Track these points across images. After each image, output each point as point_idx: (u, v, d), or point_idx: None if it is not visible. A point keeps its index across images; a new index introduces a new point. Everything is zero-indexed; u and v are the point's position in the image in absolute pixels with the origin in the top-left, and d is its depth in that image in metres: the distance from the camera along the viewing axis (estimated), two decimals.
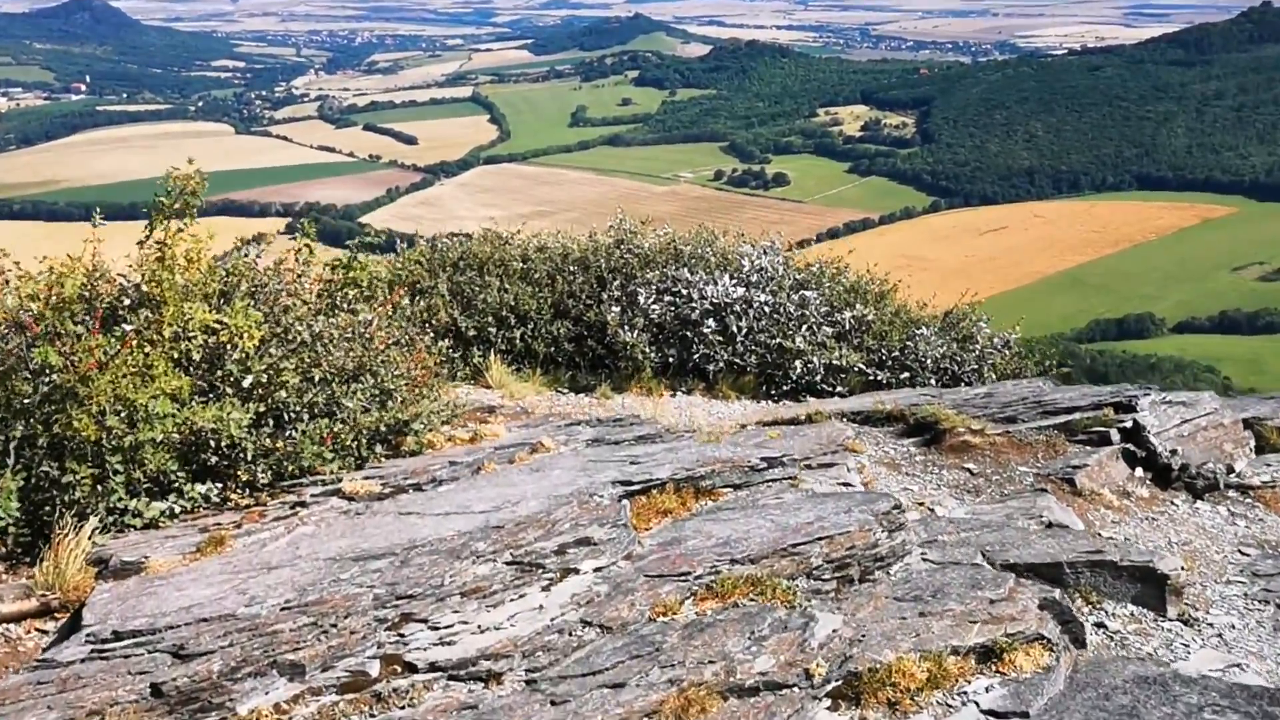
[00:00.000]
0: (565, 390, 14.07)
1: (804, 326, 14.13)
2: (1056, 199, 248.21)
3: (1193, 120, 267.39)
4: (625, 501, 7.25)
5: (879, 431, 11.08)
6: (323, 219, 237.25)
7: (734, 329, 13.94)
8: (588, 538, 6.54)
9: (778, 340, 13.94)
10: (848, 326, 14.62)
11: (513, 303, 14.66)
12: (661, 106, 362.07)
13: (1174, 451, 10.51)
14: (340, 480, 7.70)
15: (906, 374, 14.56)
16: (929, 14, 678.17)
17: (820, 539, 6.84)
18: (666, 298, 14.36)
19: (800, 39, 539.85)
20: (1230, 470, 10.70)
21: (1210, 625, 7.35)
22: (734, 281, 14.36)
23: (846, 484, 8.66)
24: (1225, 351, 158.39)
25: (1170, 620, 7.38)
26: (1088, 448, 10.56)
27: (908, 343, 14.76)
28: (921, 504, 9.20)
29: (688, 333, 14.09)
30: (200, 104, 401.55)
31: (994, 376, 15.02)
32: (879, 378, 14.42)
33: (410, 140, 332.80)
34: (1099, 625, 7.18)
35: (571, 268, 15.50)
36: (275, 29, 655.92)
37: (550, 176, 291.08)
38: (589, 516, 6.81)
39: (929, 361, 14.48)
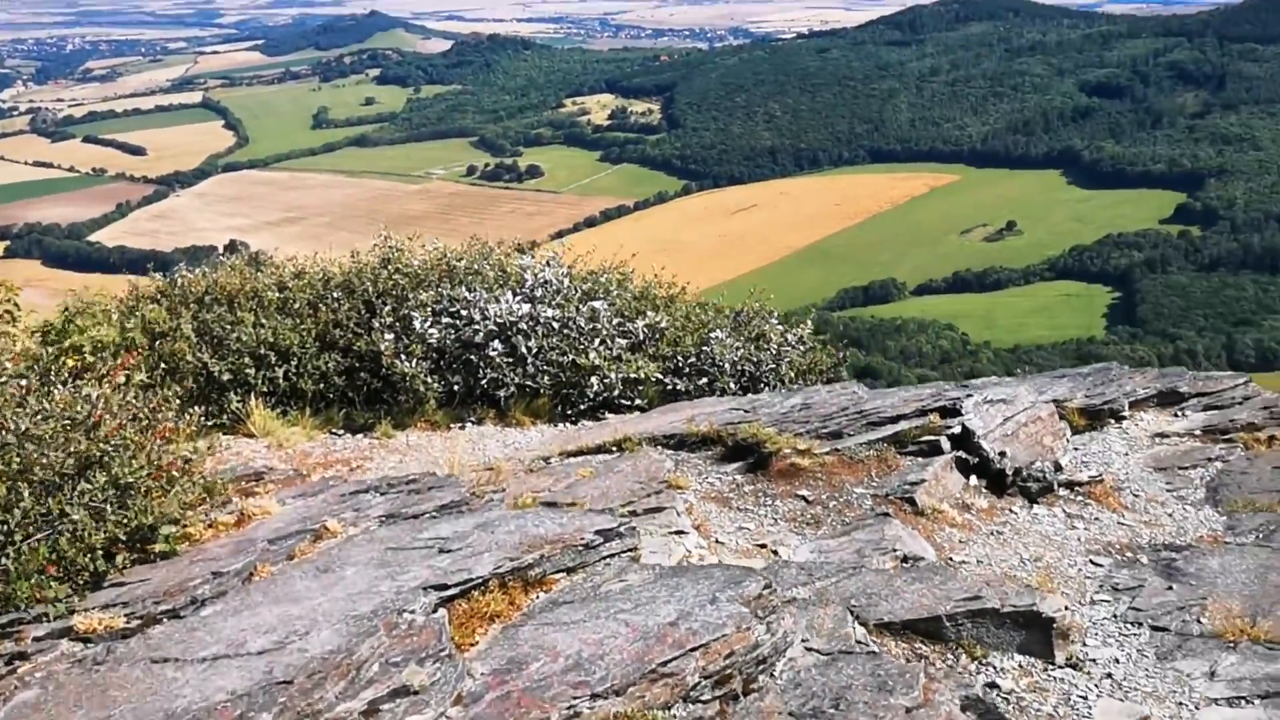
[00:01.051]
0: (340, 431, 12.58)
1: (597, 340, 13.10)
2: (799, 175, 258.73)
3: (914, 96, 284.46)
4: (442, 612, 5.87)
5: (698, 458, 10.24)
6: (46, 239, 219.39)
7: (523, 349, 12.75)
8: (405, 686, 5.11)
9: (570, 357, 12.88)
10: (641, 336, 13.71)
11: (271, 338, 12.87)
12: (407, 104, 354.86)
13: (1003, 454, 10.24)
14: (72, 612, 6.02)
15: (705, 379, 13.74)
16: (665, 2, 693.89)
17: (694, 649, 5.63)
18: (445, 320, 13.05)
19: (541, 31, 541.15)
20: (1058, 467, 10.51)
21: (1095, 662, 6.82)
22: (518, 298, 13.16)
23: (680, 532, 7.72)
24: (960, 309, 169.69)
25: (1060, 668, 6.84)
26: (920, 459, 10.11)
27: (703, 347, 13.94)
28: (763, 546, 8.42)
29: (472, 356, 12.87)
30: None
31: (792, 374, 14.44)
32: (678, 386, 13.57)
33: (138, 151, 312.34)
34: (991, 685, 6.46)
35: (335, 294, 13.89)
36: None
37: (295, 181, 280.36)
38: (402, 647, 5.42)
39: (726, 365, 13.74)
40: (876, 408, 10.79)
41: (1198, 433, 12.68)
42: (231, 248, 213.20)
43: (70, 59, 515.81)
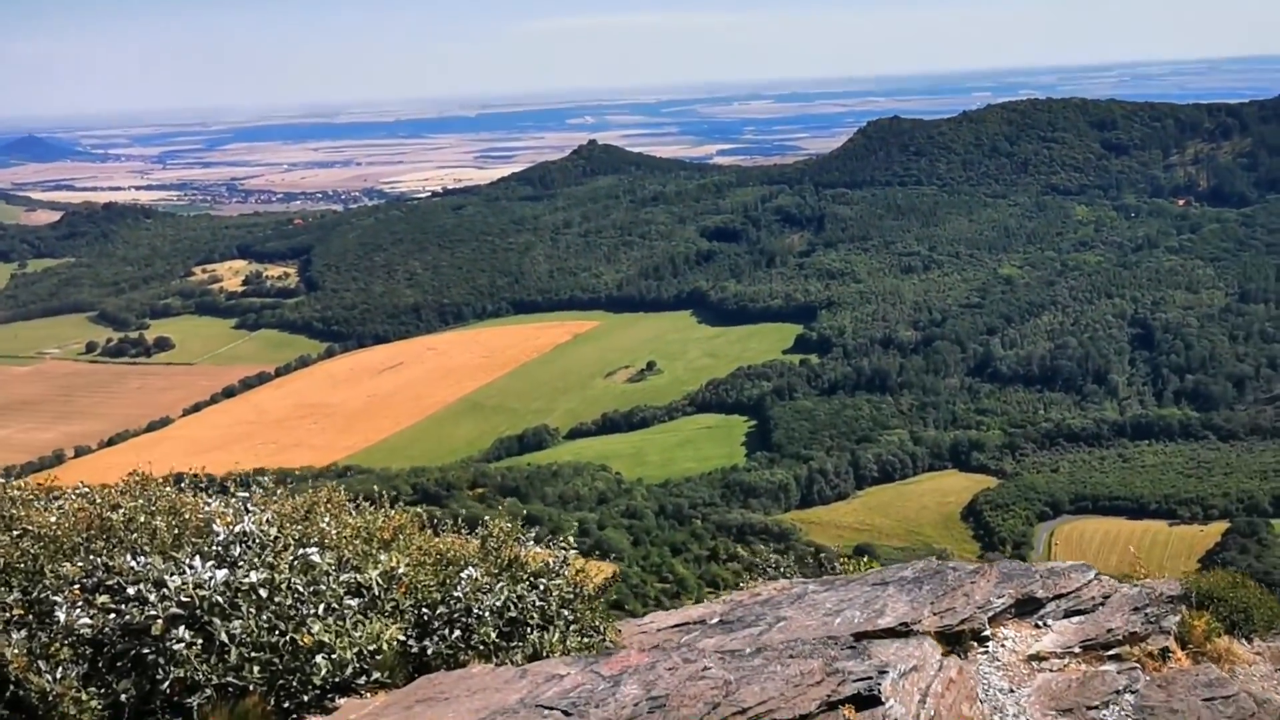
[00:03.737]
0: None
1: (320, 605, 9.63)
2: (445, 330, 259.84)
3: (550, 248, 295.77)
4: None
5: None
6: None
7: (222, 635, 9.05)
8: None
9: (289, 635, 9.35)
10: (377, 589, 10.37)
11: None
12: (12, 280, 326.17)
13: None
14: None
15: (458, 632, 10.35)
16: (294, 166, 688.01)
17: None
18: (102, 598, 9.17)
19: (164, 198, 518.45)
20: None
21: None
22: (208, 561, 9.52)
23: None
24: (612, 449, 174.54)
25: None
26: None
27: (451, 592, 10.83)
28: None
29: (146, 650, 8.95)
30: None
31: (569, 616, 10.97)
32: (427, 650, 10.36)
33: None
34: None
35: None
36: None
37: None
38: None
39: (486, 613, 10.67)
40: (764, 703, 8.48)
41: (1076, 650, 10.98)
42: None
43: None
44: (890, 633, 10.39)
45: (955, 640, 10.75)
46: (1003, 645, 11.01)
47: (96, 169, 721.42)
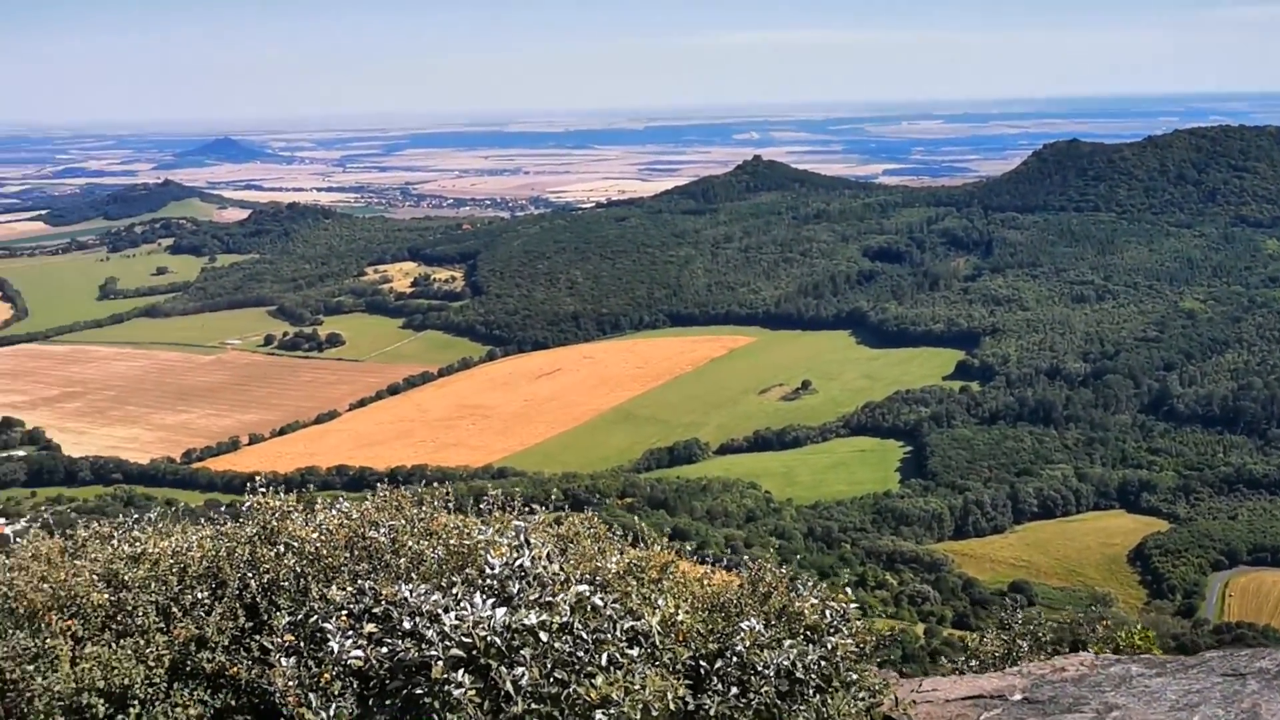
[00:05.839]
0: None
1: (604, 655, 8.51)
2: (602, 340, 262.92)
3: (709, 262, 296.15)
4: None
5: None
6: None
7: (506, 685, 8.08)
8: None
9: (571, 687, 8.30)
10: (657, 639, 9.14)
11: (101, 680, 8.23)
12: (202, 274, 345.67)
13: None
14: None
15: (736, 689, 9.08)
16: (465, 173, 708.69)
17: None
18: (369, 627, 8.35)
19: (342, 200, 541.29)
20: None
21: None
22: (488, 599, 8.50)
23: None
24: (762, 467, 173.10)
25: None
26: None
27: (729, 642, 9.53)
28: None
29: (419, 690, 8.11)
30: None
31: (853, 677, 9.75)
32: (708, 709, 9.08)
33: None
34: None
35: (198, 591, 9.30)
36: None
37: (79, 354, 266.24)
38: None
39: (770, 670, 9.29)
40: None
41: None
42: (4, 425, 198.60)
43: None
44: None
45: None
46: None
47: (283, 170, 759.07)
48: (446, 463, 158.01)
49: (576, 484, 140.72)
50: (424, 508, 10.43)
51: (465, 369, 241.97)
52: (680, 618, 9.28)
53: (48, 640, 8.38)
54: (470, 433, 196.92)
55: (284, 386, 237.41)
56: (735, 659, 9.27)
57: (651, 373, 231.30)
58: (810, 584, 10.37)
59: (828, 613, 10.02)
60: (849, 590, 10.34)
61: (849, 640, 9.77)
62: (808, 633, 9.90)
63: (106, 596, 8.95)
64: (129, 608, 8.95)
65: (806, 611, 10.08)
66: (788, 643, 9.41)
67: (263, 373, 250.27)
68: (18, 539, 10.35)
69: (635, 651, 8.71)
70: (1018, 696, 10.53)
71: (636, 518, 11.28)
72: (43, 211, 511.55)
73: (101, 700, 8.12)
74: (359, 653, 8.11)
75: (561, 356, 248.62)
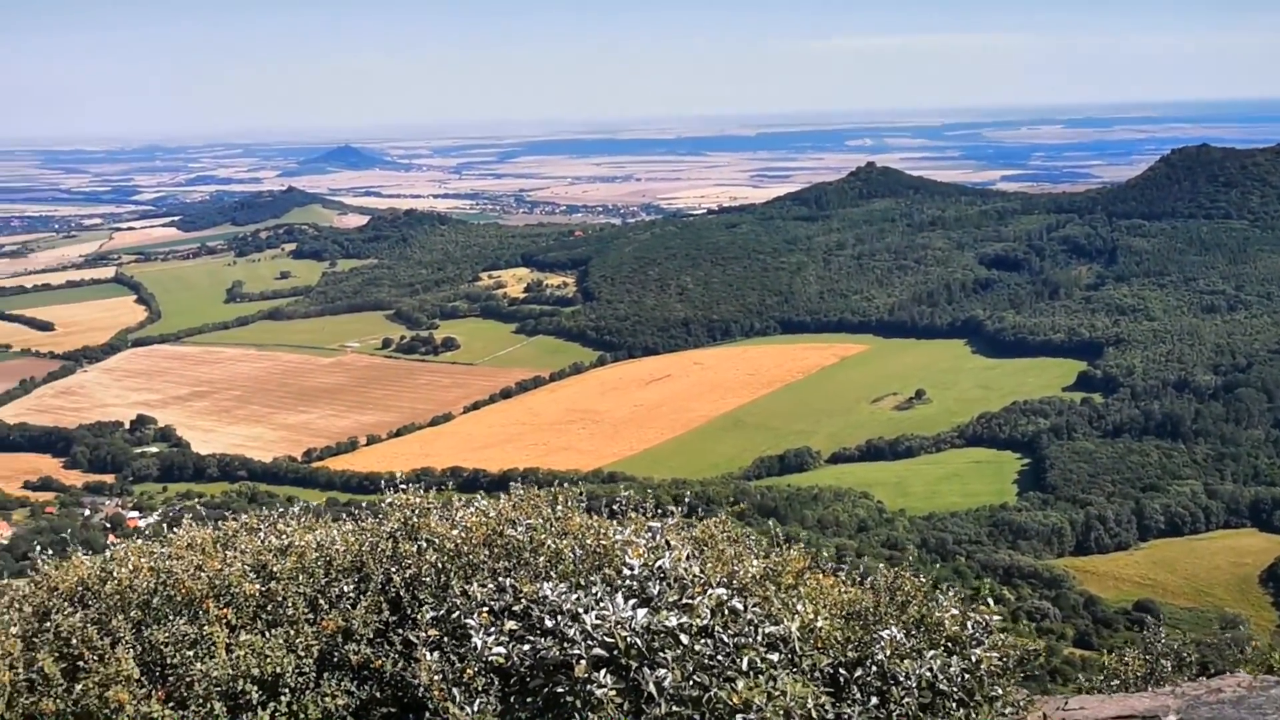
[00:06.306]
0: None
1: (744, 659, 8.42)
2: (712, 346, 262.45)
3: (821, 269, 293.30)
4: None
5: None
6: None
7: (648, 685, 8.04)
8: None
9: (711, 691, 8.21)
10: (796, 644, 9.02)
11: (255, 667, 8.42)
12: (322, 278, 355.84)
13: None
14: None
15: (876, 699, 8.94)
16: (578, 180, 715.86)
17: None
18: (511, 624, 8.44)
19: (457, 206, 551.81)
20: None
21: None
22: (629, 600, 8.52)
23: None
24: (874, 477, 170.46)
25: None
26: None
27: (874, 654, 9.31)
28: None
29: (560, 690, 8.17)
30: None
31: (997, 692, 9.36)
32: (849, 717, 8.90)
33: (45, 326, 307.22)
34: None
35: (344, 584, 9.45)
36: None
37: (207, 355, 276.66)
38: None
39: (913, 680, 9.05)
40: None
41: None
42: (139, 422, 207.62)
43: None
44: None
45: None
46: None
47: (401, 177, 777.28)
48: (557, 466, 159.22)
49: (686, 490, 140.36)
50: (559, 507, 10.46)
51: (576, 374, 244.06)
52: (819, 624, 9.18)
53: (204, 627, 8.62)
54: (580, 437, 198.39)
55: (400, 389, 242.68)
56: (875, 668, 9.03)
57: (762, 380, 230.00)
58: (950, 593, 10.02)
59: (969, 624, 9.69)
60: (991, 601, 9.97)
61: (993, 653, 9.41)
62: (948, 644, 9.63)
63: (257, 587, 9.16)
64: (278, 598, 9.16)
65: (947, 622, 9.76)
66: (929, 653, 9.14)
67: (380, 375, 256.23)
68: (172, 529, 10.78)
69: (775, 657, 8.56)
70: (1172, 718, 10.10)
71: (772, 522, 11.11)
72: (176, 218, 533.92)
73: (255, 687, 8.34)
74: (501, 649, 8.20)
75: (671, 362, 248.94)
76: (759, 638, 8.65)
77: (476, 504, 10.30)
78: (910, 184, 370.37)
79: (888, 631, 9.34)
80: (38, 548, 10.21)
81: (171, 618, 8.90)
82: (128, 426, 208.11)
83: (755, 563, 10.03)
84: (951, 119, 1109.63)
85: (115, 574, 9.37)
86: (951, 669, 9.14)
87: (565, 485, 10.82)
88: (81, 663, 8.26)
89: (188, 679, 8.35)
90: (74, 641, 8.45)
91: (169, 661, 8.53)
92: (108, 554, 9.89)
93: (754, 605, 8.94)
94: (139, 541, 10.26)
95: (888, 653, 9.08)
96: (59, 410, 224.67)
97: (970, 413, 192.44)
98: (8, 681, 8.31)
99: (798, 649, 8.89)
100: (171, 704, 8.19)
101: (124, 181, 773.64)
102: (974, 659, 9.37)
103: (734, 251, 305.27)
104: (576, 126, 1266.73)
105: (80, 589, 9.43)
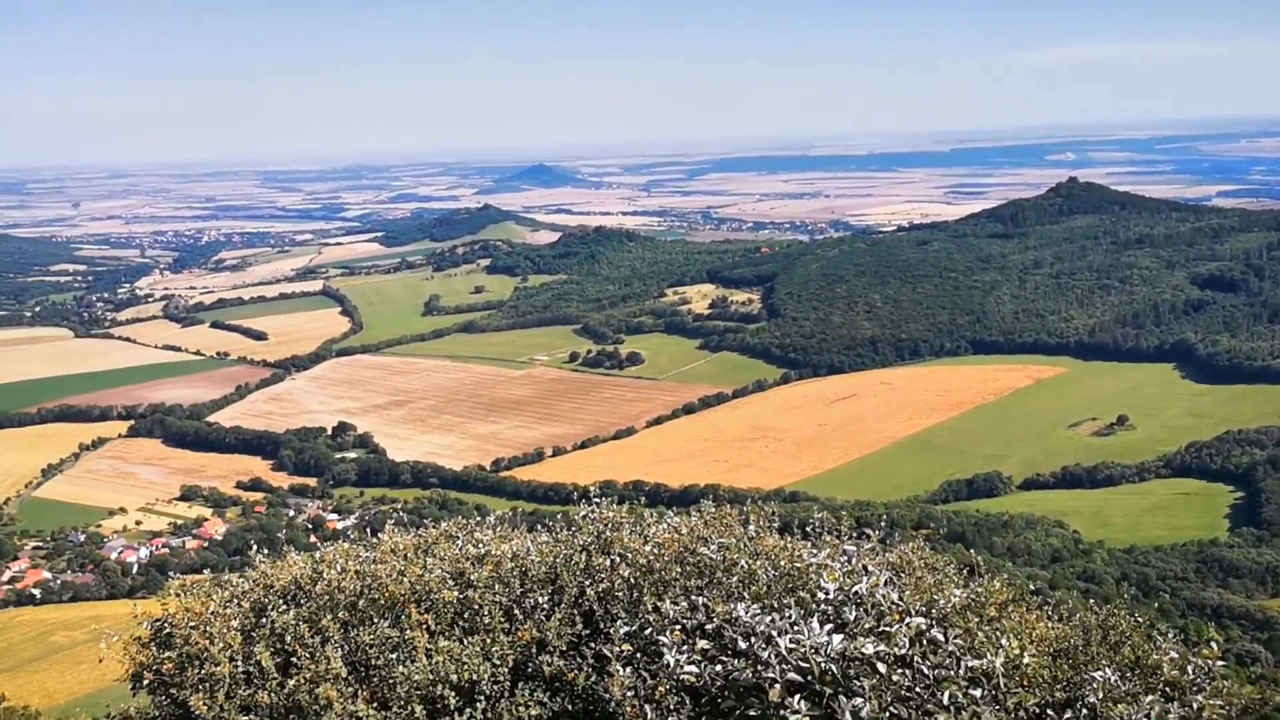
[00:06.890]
0: None
1: (945, 695, 8.04)
2: (900, 365, 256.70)
3: (1016, 288, 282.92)
4: None
5: None
6: (168, 419, 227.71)
7: (844, 714, 7.70)
8: None
9: None
10: (1000, 681, 8.48)
11: (453, 673, 8.56)
12: (514, 292, 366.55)
13: None
14: None
15: None
16: (765, 197, 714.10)
17: None
18: (704, 644, 8.28)
19: (645, 224, 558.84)
20: None
21: None
22: (825, 625, 8.23)
23: None
24: (1070, 506, 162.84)
25: None
26: None
27: (1082, 691, 8.73)
28: None
29: (753, 712, 7.91)
30: (37, 309, 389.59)
31: None
32: None
33: (259, 336, 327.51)
34: None
35: (538, 595, 9.55)
36: (119, 231, 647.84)
37: (404, 366, 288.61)
38: None
39: None
40: None
41: None
42: (340, 429, 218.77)
43: (205, 250, 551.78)
44: None
45: None
46: None
47: (591, 195, 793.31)
48: (739, 483, 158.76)
49: (870, 513, 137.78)
50: (752, 527, 10.35)
51: (759, 391, 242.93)
52: (1025, 660, 8.71)
53: (406, 631, 8.86)
54: (763, 454, 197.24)
55: (586, 402, 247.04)
56: (1086, 711, 8.52)
57: (951, 401, 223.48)
58: (1170, 635, 9.47)
59: (1190, 668, 9.06)
60: (1214, 645, 9.28)
61: (1215, 700, 8.83)
62: (1167, 689, 9.13)
63: (456, 594, 9.37)
64: (475, 606, 9.33)
65: (1166, 665, 9.24)
66: (1147, 699, 8.59)
67: (567, 388, 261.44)
68: (374, 534, 11.25)
69: (978, 692, 8.11)
70: None
71: (972, 551, 10.87)
72: (379, 234, 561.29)
73: (453, 693, 8.51)
74: (693, 668, 8.04)
75: (857, 381, 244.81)
76: (960, 671, 8.22)
77: (668, 520, 10.38)
78: (1115, 200, 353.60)
79: (1100, 673, 8.84)
80: (253, 546, 10.98)
81: (376, 620, 9.14)
82: (330, 432, 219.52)
83: (957, 592, 9.71)
84: (1162, 131, 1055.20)
85: (325, 575, 9.76)
86: (1170, 716, 8.55)
87: (757, 504, 10.80)
88: (294, 659, 8.72)
89: (390, 681, 8.57)
90: (288, 638, 8.97)
91: (373, 663, 8.78)
92: (317, 555, 10.37)
93: (955, 637, 8.52)
94: (344, 544, 10.74)
95: (1100, 695, 8.58)
96: (269, 415, 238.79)
97: (1178, 441, 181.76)
98: (227, 674, 8.74)
99: (1002, 685, 8.44)
100: (375, 704, 8.40)
101: (333, 199, 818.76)
102: (1195, 706, 8.79)
103: (924, 269, 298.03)
104: (765, 143, 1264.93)
105: (293, 588, 9.98)
